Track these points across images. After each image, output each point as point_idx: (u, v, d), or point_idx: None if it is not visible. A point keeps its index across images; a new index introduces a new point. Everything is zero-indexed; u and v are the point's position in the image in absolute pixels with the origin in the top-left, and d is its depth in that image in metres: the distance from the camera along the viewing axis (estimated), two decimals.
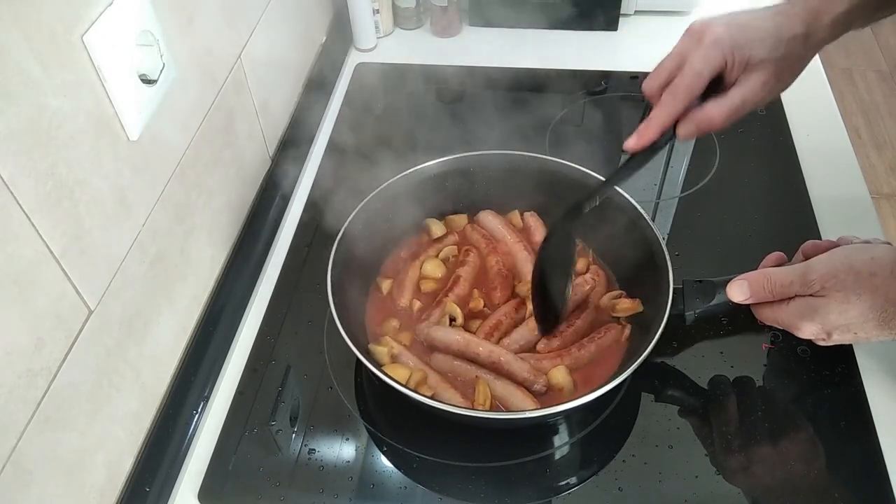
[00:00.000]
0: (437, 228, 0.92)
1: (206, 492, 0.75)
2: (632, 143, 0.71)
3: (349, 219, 0.83)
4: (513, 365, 0.78)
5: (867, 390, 0.79)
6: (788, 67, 0.71)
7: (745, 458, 0.75)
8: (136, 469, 0.74)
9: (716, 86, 0.71)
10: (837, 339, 0.69)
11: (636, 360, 0.70)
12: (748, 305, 0.74)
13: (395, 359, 0.80)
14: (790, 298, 0.70)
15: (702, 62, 0.68)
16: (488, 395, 0.75)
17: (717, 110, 0.70)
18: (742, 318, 0.84)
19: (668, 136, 0.71)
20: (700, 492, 0.73)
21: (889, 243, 0.72)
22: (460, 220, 0.94)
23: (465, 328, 0.83)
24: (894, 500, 0.71)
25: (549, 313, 0.78)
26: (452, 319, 0.83)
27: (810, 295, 0.68)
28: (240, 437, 0.78)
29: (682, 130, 0.71)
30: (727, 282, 0.75)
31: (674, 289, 0.75)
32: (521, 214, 0.95)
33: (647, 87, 0.73)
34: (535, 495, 0.74)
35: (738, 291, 0.72)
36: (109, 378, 0.68)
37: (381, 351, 0.79)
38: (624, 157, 0.75)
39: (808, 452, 0.75)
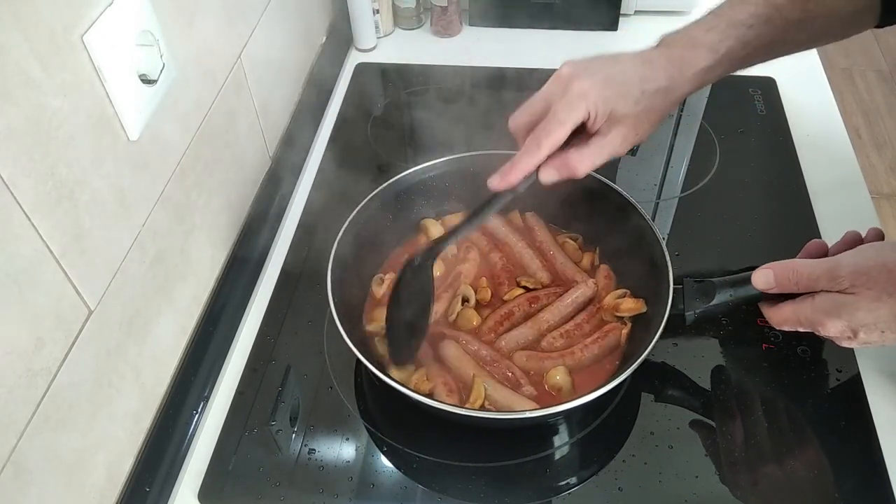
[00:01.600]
0: (434, 229, 0.92)
1: (206, 492, 0.75)
2: (495, 182, 0.71)
3: (348, 220, 0.83)
4: (507, 364, 0.79)
5: (867, 390, 0.79)
6: (647, 120, 0.73)
7: (745, 458, 0.75)
8: (136, 469, 0.74)
9: (580, 131, 0.71)
10: (864, 338, 0.66)
11: (636, 361, 0.70)
12: (756, 308, 0.74)
13: None
14: (814, 293, 0.68)
15: (566, 113, 0.69)
16: (481, 395, 0.75)
17: (579, 160, 0.71)
18: (742, 319, 0.85)
19: (531, 178, 0.72)
20: (700, 492, 0.73)
21: None
22: (457, 219, 0.94)
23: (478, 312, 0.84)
24: (894, 500, 0.71)
25: (404, 345, 0.78)
26: (465, 301, 0.84)
27: (838, 292, 0.66)
28: (240, 437, 0.78)
29: (543, 175, 0.72)
30: (727, 282, 0.75)
31: (674, 289, 0.75)
32: (522, 215, 0.95)
33: (513, 124, 0.74)
34: (535, 495, 0.74)
35: (763, 280, 0.70)
36: (109, 378, 0.68)
37: (376, 327, 0.81)
38: None
39: (808, 452, 0.75)
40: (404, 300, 0.77)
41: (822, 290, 0.68)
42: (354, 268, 0.83)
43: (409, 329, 0.78)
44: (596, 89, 0.69)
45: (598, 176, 0.87)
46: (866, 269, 0.64)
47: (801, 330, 0.70)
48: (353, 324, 0.81)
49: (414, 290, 0.77)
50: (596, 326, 0.82)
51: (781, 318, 0.71)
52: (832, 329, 0.67)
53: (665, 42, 0.74)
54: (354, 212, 0.84)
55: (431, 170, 0.90)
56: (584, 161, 0.71)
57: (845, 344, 0.69)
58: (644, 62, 0.72)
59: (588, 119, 0.70)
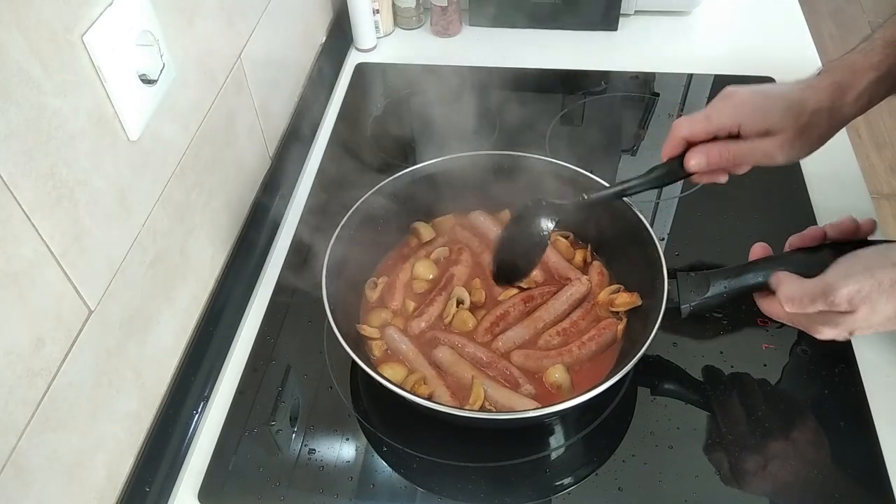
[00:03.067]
0: (426, 232, 0.92)
1: (206, 492, 0.75)
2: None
3: (339, 226, 0.83)
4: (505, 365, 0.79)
5: (867, 390, 0.79)
6: (810, 136, 0.76)
7: (745, 458, 0.75)
8: (136, 469, 0.74)
9: None
10: (857, 335, 0.69)
11: (636, 354, 0.70)
12: (756, 307, 0.74)
13: (390, 352, 0.81)
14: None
15: (715, 114, 0.76)
16: (481, 396, 0.75)
17: (727, 151, 0.76)
18: (742, 318, 0.85)
19: (678, 172, 0.79)
20: (700, 492, 0.73)
21: None
22: (447, 221, 0.95)
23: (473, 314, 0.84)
24: (894, 499, 0.71)
25: (510, 272, 0.85)
26: (460, 303, 0.84)
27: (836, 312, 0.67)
28: (240, 437, 0.78)
29: (689, 158, 0.77)
30: (721, 275, 0.75)
31: (668, 282, 0.75)
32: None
33: (674, 125, 0.80)
34: (534, 495, 0.74)
35: (770, 309, 0.72)
36: (109, 378, 0.68)
37: (371, 331, 0.81)
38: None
39: (808, 452, 0.75)
40: (522, 233, 0.83)
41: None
42: (349, 272, 0.83)
43: (520, 261, 0.84)
44: (753, 101, 0.75)
45: (584, 171, 0.87)
46: (859, 288, 0.65)
47: (791, 327, 0.72)
48: (350, 327, 0.81)
49: (534, 231, 0.82)
50: (592, 323, 0.83)
51: (774, 313, 0.72)
52: (827, 335, 0.69)
53: (826, 69, 0.78)
54: (345, 219, 0.84)
55: (422, 171, 0.90)
56: (729, 153, 0.76)
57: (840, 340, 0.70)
58: (807, 86, 0.76)
59: (739, 128, 0.75)
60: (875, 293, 0.64)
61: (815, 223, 0.96)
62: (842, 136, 1.10)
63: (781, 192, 1.02)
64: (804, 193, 1.00)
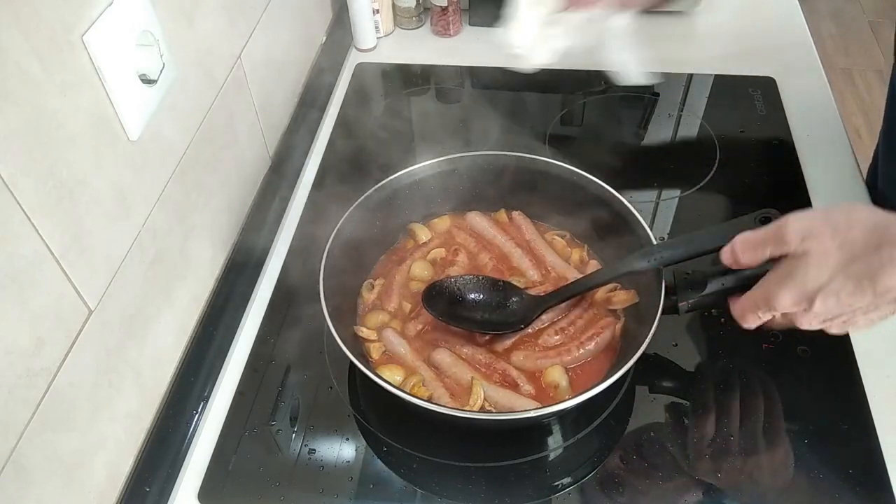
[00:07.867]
0: (422, 234, 0.92)
1: (206, 492, 0.75)
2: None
3: (336, 227, 0.82)
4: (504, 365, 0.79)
5: (867, 390, 0.79)
6: None
7: (745, 459, 0.75)
8: (136, 469, 0.74)
9: None
10: (820, 307, 0.63)
11: (634, 355, 0.70)
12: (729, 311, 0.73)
13: (388, 354, 0.81)
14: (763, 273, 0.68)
15: None
16: (480, 396, 0.75)
17: None
18: None
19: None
20: (700, 492, 0.73)
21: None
22: (443, 222, 0.94)
23: None
24: (894, 499, 0.71)
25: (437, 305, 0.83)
26: None
27: (788, 256, 0.65)
28: (240, 437, 0.78)
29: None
30: (718, 272, 0.75)
31: (665, 280, 0.75)
32: (509, 214, 0.95)
33: None
34: (534, 495, 0.74)
35: (728, 254, 0.69)
36: (109, 378, 0.68)
37: (368, 333, 0.81)
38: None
39: (808, 452, 0.75)
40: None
41: (772, 261, 0.66)
42: (346, 274, 0.83)
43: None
44: None
45: (578, 170, 0.87)
46: (811, 226, 0.63)
47: (761, 316, 0.68)
48: (349, 329, 0.81)
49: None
50: (590, 322, 0.83)
51: (740, 308, 0.69)
52: (786, 300, 0.64)
53: None
54: (342, 219, 0.83)
55: (419, 172, 0.90)
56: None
57: (805, 322, 0.66)
58: None
59: None
60: (828, 234, 0.61)
61: None
62: (842, 136, 1.10)
63: (781, 191, 1.02)
64: (804, 193, 1.00)
